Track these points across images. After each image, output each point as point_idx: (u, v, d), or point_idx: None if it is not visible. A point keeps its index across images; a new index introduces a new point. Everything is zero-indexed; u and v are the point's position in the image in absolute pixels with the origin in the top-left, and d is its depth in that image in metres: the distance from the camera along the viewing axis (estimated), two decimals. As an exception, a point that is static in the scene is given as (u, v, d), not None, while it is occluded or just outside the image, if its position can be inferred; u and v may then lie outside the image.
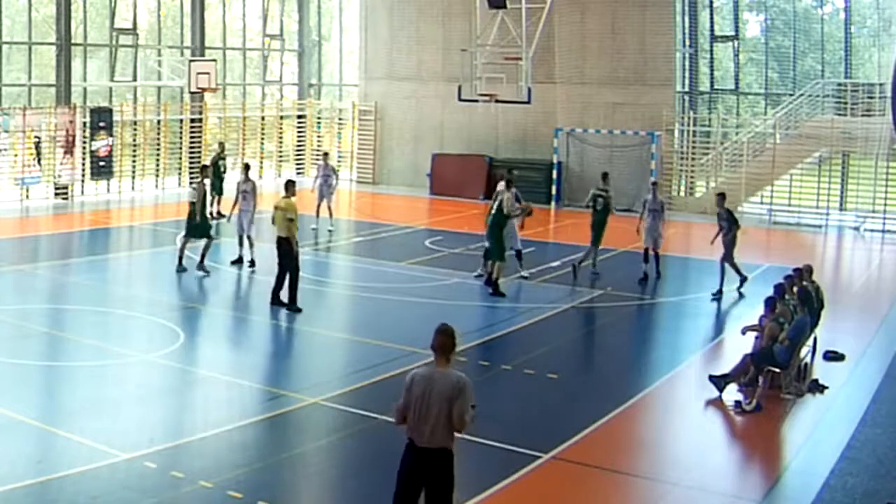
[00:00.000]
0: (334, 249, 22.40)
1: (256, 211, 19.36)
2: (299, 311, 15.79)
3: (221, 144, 27.13)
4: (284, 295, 15.94)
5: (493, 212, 18.05)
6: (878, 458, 10.42)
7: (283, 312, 15.77)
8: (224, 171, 25.44)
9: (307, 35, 36.67)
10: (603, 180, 20.15)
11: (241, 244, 19.29)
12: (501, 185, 18.71)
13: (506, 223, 18.04)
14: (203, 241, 18.61)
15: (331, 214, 23.82)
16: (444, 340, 7.34)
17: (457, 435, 7.26)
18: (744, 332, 13.51)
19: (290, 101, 36.56)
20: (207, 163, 24.34)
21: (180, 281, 18.82)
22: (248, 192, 19.24)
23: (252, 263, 19.03)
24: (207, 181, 19.68)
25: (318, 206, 23.72)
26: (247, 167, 20.26)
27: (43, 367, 12.85)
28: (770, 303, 13.11)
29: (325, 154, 25.73)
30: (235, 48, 34.68)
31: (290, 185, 16.63)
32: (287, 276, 15.89)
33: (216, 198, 24.39)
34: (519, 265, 18.93)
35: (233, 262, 19.32)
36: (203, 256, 18.42)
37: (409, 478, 7.31)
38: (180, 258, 18.58)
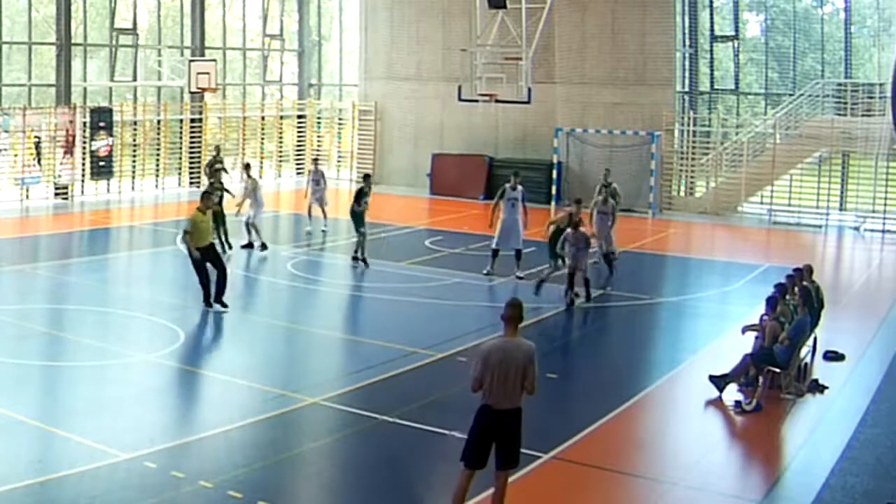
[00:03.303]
0: (334, 249, 22.39)
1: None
2: (214, 305, 15.89)
3: (217, 148, 26.99)
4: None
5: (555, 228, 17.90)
6: (878, 458, 10.42)
7: (284, 313, 15.77)
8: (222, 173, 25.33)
9: (307, 35, 36.67)
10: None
11: (248, 231, 21.24)
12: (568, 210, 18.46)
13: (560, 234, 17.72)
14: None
15: (325, 216, 24.01)
16: (513, 312, 8.25)
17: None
18: (744, 331, 13.51)
19: (290, 101, 36.56)
20: (209, 166, 25.04)
21: (180, 281, 18.84)
22: (248, 188, 21.56)
23: (264, 247, 21.11)
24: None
25: (309, 208, 24.02)
26: (247, 166, 22.77)
27: (43, 367, 12.85)
28: (771, 302, 13.11)
29: (315, 160, 26.03)
30: (235, 48, 34.68)
31: (204, 197, 16.43)
32: (214, 278, 15.87)
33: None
34: (516, 265, 18.94)
35: (243, 246, 21.14)
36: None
37: (485, 436, 8.22)
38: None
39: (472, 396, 8.36)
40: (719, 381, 12.40)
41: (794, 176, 29.20)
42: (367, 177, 21.03)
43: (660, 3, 29.82)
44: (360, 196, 20.03)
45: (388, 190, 33.51)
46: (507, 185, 19.19)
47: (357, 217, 19.90)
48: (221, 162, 25.43)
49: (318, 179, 24.19)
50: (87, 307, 15.84)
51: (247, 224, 21.23)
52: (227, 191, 21.46)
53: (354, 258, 19.98)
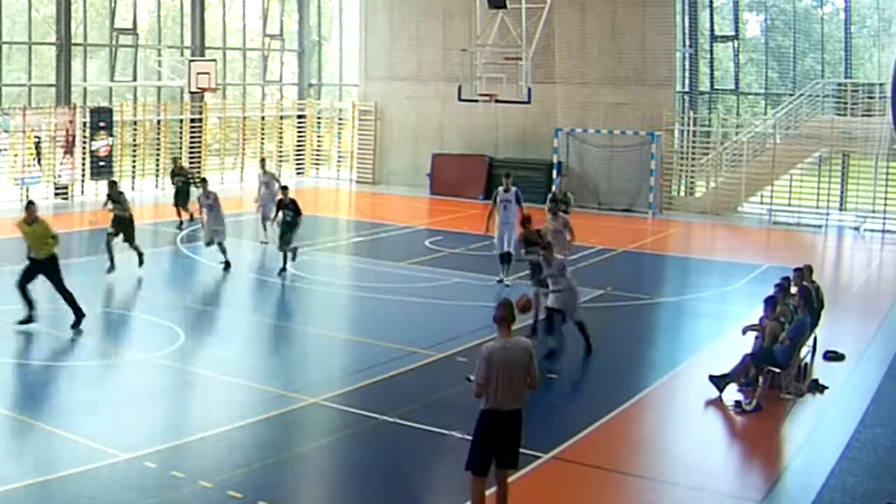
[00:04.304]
0: (334, 250, 22.39)
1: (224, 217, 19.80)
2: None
3: (177, 161, 26.63)
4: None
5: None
6: (878, 458, 10.42)
7: (285, 313, 15.74)
8: (185, 183, 24.37)
9: (307, 35, 36.68)
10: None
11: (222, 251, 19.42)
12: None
13: None
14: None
15: (265, 227, 21.83)
16: (505, 313, 8.31)
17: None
18: (744, 331, 13.50)
19: (290, 101, 36.57)
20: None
21: (180, 281, 18.87)
22: (210, 204, 19.47)
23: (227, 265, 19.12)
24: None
25: (268, 218, 21.28)
26: (204, 181, 20.58)
27: (43, 367, 12.85)
28: (771, 302, 13.11)
29: (262, 160, 24.50)
30: (235, 48, 34.68)
31: (28, 207, 15.08)
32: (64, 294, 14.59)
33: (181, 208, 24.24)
34: (506, 268, 18.51)
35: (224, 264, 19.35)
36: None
37: (490, 441, 8.21)
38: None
39: (471, 395, 8.35)
40: (719, 381, 12.41)
41: (794, 176, 29.19)
42: (284, 188, 19.68)
43: (660, 3, 29.82)
44: (279, 208, 19.12)
45: (388, 190, 33.55)
46: (500, 188, 18.91)
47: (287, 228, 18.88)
48: (185, 173, 24.76)
49: (268, 182, 22.55)
50: (88, 307, 15.82)
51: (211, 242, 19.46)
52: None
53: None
